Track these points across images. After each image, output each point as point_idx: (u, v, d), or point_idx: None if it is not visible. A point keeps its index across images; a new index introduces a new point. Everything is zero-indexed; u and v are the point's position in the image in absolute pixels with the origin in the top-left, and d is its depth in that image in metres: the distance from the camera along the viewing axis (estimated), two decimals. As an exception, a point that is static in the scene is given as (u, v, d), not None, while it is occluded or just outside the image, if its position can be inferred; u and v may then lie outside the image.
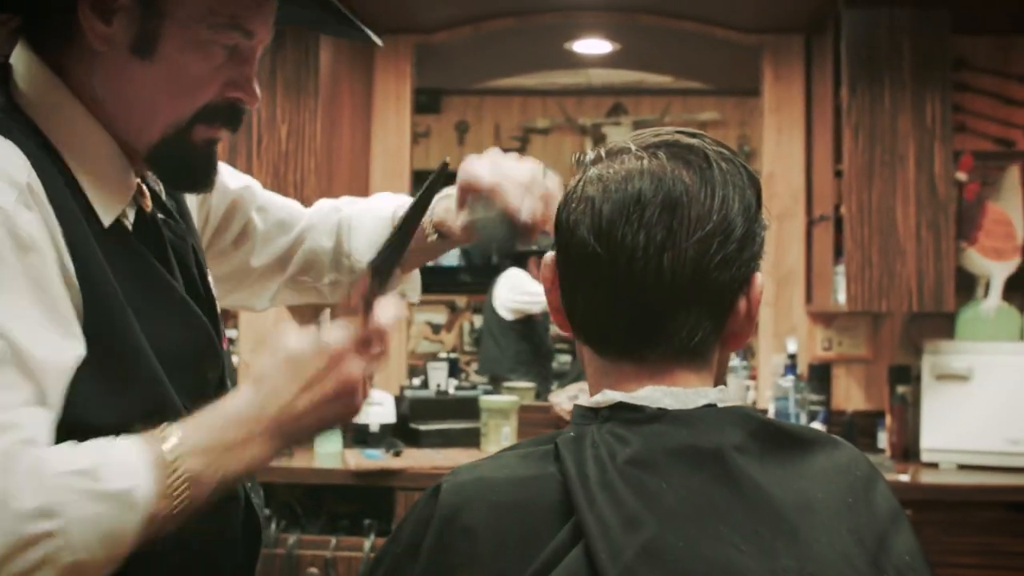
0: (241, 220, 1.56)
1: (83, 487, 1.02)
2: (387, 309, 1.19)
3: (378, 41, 1.41)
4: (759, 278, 1.13)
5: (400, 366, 3.99)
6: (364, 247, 1.59)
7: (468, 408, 3.62)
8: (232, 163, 3.32)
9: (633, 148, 1.10)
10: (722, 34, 3.74)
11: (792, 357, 3.23)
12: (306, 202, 3.33)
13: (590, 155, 1.13)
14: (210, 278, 1.37)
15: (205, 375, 1.29)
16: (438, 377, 3.81)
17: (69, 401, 1.09)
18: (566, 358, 6.14)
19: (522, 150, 7.44)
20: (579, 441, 1.07)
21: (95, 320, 1.12)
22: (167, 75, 1.16)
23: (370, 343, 1.18)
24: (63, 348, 1.08)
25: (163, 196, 1.31)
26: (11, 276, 1.04)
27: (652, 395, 1.09)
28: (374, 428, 3.46)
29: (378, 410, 3.54)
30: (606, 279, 1.08)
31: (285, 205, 1.64)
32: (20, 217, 1.04)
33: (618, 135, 7.22)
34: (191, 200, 1.41)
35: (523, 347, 5.45)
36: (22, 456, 1.00)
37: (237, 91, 1.21)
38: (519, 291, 5.40)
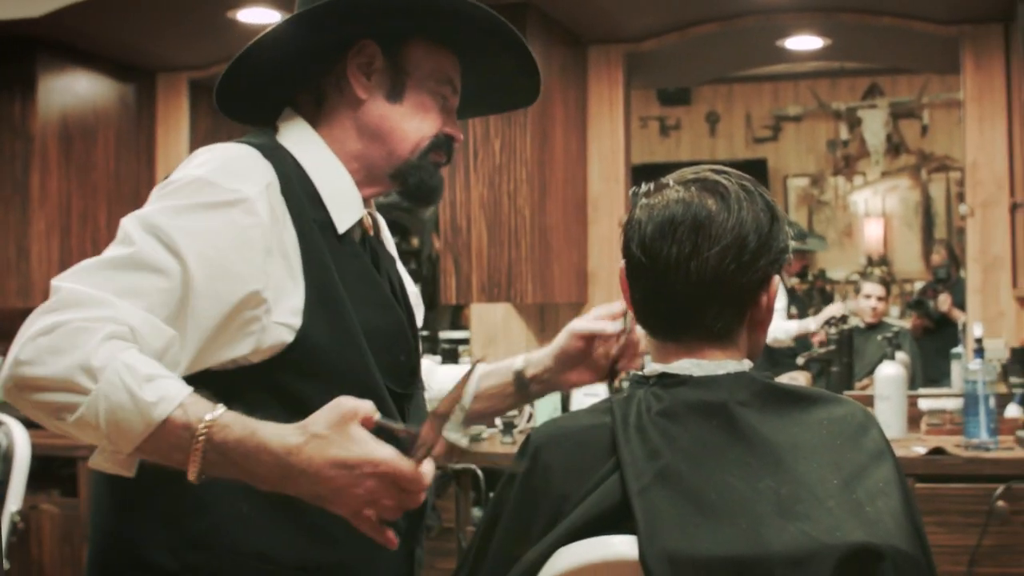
0: None
1: (128, 381, 1.40)
2: (427, 466, 1.40)
3: (536, 97, 1.97)
4: (776, 279, 1.61)
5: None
6: (436, 388, 2.02)
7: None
8: (452, 177, 4.14)
9: (672, 183, 1.60)
10: (920, 27, 4.22)
11: (979, 341, 3.71)
12: (519, 212, 4.07)
13: (642, 188, 1.63)
14: (410, 294, 1.90)
15: (398, 357, 1.77)
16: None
17: (293, 352, 1.60)
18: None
19: (774, 139, 7.93)
20: (628, 400, 1.59)
21: (316, 296, 1.63)
22: (413, 111, 1.77)
23: (406, 482, 1.39)
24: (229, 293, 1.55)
25: (382, 233, 1.88)
26: (232, 234, 1.56)
27: (684, 366, 1.58)
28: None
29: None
30: (650, 281, 1.58)
31: None
32: (254, 205, 1.59)
33: (874, 120, 7.60)
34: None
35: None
36: (116, 339, 1.43)
37: (452, 130, 1.81)
38: None
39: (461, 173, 4.12)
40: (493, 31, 1.79)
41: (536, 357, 2.05)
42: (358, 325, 1.69)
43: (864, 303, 5.69)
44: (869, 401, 3.95)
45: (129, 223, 1.57)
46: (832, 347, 4.20)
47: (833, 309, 5.44)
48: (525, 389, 2.06)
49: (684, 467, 1.49)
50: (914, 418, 3.99)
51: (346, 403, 1.41)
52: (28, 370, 1.43)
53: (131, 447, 1.43)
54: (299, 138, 1.76)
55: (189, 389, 1.45)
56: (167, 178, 1.64)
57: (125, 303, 1.49)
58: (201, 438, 1.41)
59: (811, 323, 5.50)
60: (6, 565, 3.27)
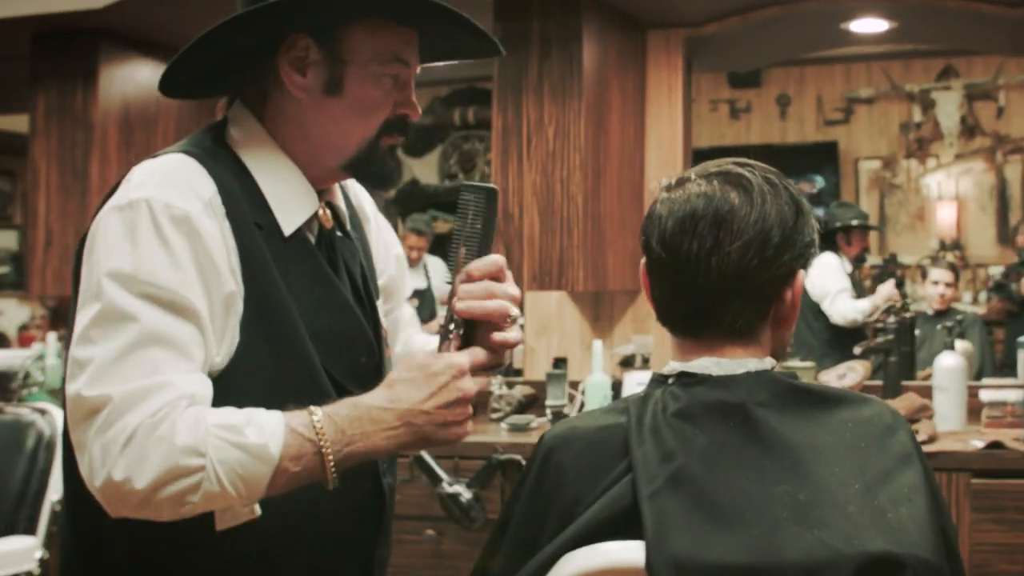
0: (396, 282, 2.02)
1: (228, 437, 1.45)
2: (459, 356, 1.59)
3: (502, 51, 1.82)
4: (801, 274, 1.56)
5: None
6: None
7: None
8: (504, 165, 4.11)
9: (694, 177, 1.56)
10: (988, 9, 4.11)
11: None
12: (572, 199, 4.04)
13: (664, 182, 1.60)
14: (380, 286, 1.88)
15: (358, 358, 1.75)
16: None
17: (232, 371, 1.57)
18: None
19: (846, 122, 7.83)
20: (645, 400, 1.55)
21: (257, 305, 1.59)
22: (354, 104, 1.67)
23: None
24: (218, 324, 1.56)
25: (347, 224, 1.81)
26: (189, 262, 1.53)
27: (703, 364, 1.55)
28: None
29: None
30: (670, 277, 1.55)
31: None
32: (201, 222, 1.54)
33: (948, 101, 7.48)
34: (377, 239, 1.93)
35: (841, 332, 5.59)
36: (186, 410, 1.46)
37: (404, 108, 1.71)
38: (818, 289, 5.54)
39: (514, 160, 4.10)
40: (424, 7, 1.68)
41: None
42: (305, 332, 1.66)
43: (931, 290, 5.58)
44: (928, 392, 3.87)
45: (115, 292, 1.51)
46: (890, 336, 4.12)
47: (886, 290, 5.30)
48: None
49: (698, 470, 1.46)
50: (976, 410, 3.89)
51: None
52: (131, 487, 1.44)
53: (263, 492, 1.49)
54: (246, 136, 1.71)
55: (278, 412, 1.51)
56: (111, 195, 1.62)
57: (172, 376, 1.49)
58: (325, 443, 1.50)
59: (878, 298, 5.41)
60: (47, 554, 3.31)
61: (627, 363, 4.34)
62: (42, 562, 3.32)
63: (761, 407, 1.50)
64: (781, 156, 8.02)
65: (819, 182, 7.99)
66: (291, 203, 1.70)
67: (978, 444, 3.47)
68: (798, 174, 7.90)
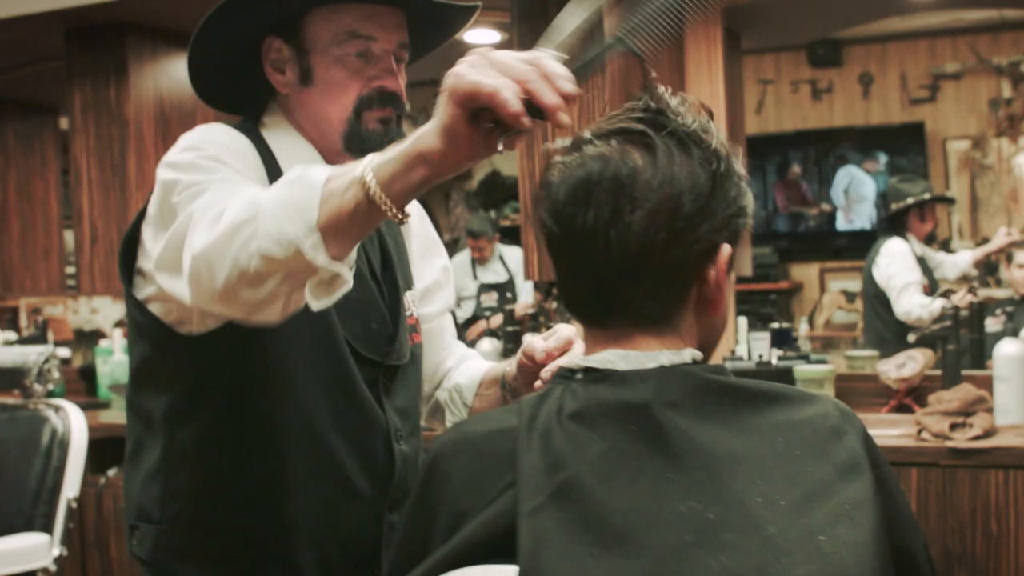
0: (440, 298, 2.07)
1: (276, 185, 1.44)
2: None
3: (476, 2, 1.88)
4: (726, 249, 1.31)
5: (728, 337, 4.33)
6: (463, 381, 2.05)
7: (784, 378, 3.88)
8: (530, 147, 3.84)
9: (589, 136, 1.32)
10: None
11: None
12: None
13: (558, 144, 1.35)
14: (412, 268, 1.94)
15: (370, 324, 1.80)
16: (760, 347, 4.09)
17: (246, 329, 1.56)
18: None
19: (932, 100, 7.39)
20: (543, 398, 1.32)
21: None
22: (324, 88, 1.76)
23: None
24: None
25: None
26: (236, 167, 1.63)
27: (607, 358, 1.31)
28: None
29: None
30: (566, 255, 1.33)
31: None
32: (250, 153, 1.70)
33: (1038, 74, 6.98)
34: (419, 241, 2.01)
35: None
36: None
37: (379, 81, 1.76)
38: (884, 281, 5.19)
39: (538, 140, 3.84)
40: None
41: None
42: None
43: (1018, 273, 5.17)
44: (987, 383, 3.49)
45: (178, 190, 1.58)
46: (947, 323, 3.73)
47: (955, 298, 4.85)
48: (509, 395, 1.97)
49: (589, 483, 1.21)
50: (1042, 401, 3.50)
51: None
52: (203, 251, 1.44)
53: (314, 216, 1.36)
54: (273, 123, 1.82)
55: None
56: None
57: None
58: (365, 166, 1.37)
59: (955, 299, 4.98)
60: (64, 551, 3.23)
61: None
62: (58, 559, 3.24)
63: (671, 408, 1.25)
64: (867, 138, 7.64)
65: (882, 159, 7.56)
66: None
67: (1036, 439, 3.10)
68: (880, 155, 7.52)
